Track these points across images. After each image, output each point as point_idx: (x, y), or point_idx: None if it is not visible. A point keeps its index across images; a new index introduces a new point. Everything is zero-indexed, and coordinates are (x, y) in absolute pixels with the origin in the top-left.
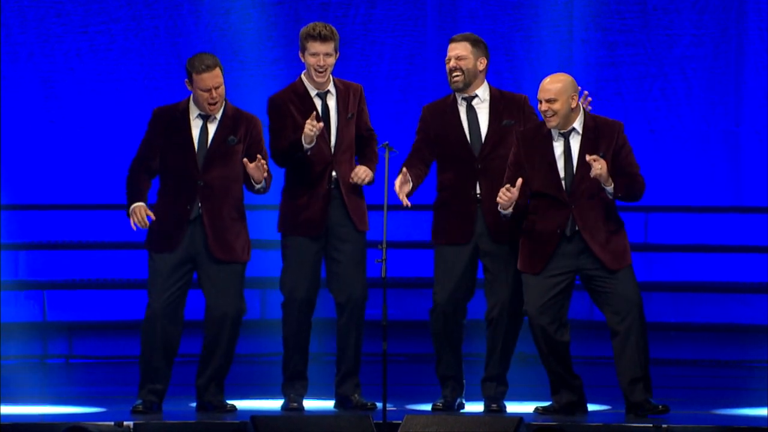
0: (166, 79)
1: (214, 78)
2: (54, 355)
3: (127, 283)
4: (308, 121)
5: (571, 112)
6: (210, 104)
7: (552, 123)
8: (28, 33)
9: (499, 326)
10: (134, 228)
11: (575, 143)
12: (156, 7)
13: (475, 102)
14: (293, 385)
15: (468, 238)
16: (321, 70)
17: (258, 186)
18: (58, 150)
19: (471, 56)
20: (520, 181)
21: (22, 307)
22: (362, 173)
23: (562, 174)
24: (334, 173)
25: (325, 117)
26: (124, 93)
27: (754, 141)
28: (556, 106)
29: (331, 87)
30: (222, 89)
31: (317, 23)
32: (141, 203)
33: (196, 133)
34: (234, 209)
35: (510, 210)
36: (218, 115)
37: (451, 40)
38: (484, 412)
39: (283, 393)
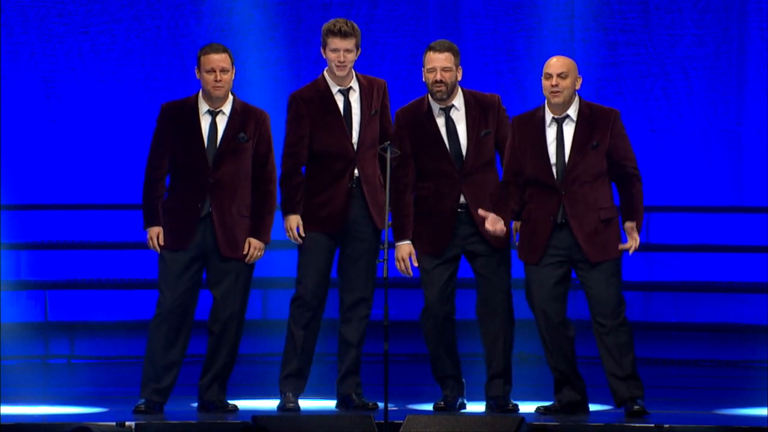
0: (168, 80)
1: (220, 61)
2: (55, 355)
3: (128, 283)
4: (294, 235)
5: (573, 95)
6: (215, 87)
7: (558, 99)
8: (30, 33)
9: (496, 322)
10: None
11: (569, 130)
12: (158, 7)
13: (452, 112)
14: (291, 383)
15: (442, 251)
16: (341, 66)
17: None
18: (59, 150)
19: (453, 67)
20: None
21: (23, 307)
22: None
23: (553, 160)
24: (356, 171)
25: (347, 114)
26: (126, 93)
27: (756, 140)
28: (566, 82)
29: (353, 83)
30: (229, 76)
31: (339, 19)
32: (158, 228)
33: (205, 128)
34: (243, 206)
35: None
36: (227, 111)
37: (432, 50)
38: (491, 411)
39: (280, 390)
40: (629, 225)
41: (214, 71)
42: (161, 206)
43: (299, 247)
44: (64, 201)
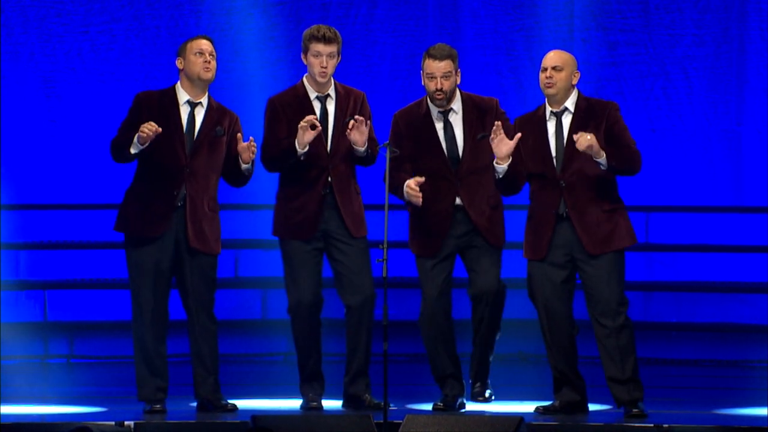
0: (168, 80)
1: (208, 45)
2: (55, 355)
3: (127, 283)
4: (305, 120)
5: (569, 89)
6: (204, 68)
7: (551, 90)
8: (30, 33)
9: (479, 317)
10: (146, 135)
11: (567, 123)
12: (157, 7)
13: (450, 116)
14: (311, 386)
15: (437, 251)
16: (323, 71)
17: (245, 167)
18: (59, 150)
19: (453, 73)
20: (518, 135)
21: (22, 307)
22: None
23: (553, 153)
24: (329, 179)
25: (323, 121)
26: (125, 93)
27: (756, 140)
28: (560, 74)
29: (331, 91)
30: (215, 64)
31: (321, 25)
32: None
33: (184, 118)
34: (212, 200)
35: (506, 165)
36: (204, 104)
37: (431, 57)
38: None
39: (302, 393)
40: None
41: (203, 53)
42: (129, 191)
43: (283, 257)
44: (64, 201)
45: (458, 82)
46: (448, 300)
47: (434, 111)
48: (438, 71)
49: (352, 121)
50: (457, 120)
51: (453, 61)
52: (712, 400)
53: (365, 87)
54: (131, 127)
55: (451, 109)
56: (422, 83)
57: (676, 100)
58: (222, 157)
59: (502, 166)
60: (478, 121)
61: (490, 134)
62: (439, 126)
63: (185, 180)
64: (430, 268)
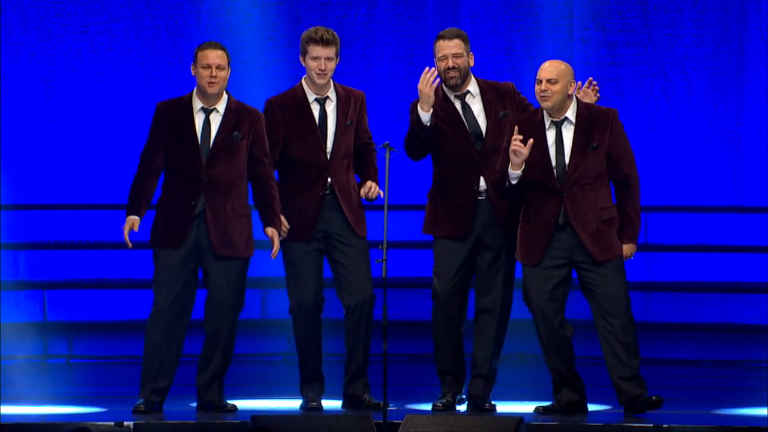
0: (167, 79)
1: (217, 57)
2: (54, 355)
3: (127, 283)
4: (285, 228)
5: (566, 99)
6: (209, 83)
7: (547, 104)
8: (29, 33)
9: (489, 320)
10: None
11: (567, 132)
12: (157, 6)
13: (467, 98)
14: (311, 386)
15: (466, 232)
16: (322, 74)
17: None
18: (59, 150)
19: (464, 53)
20: (531, 141)
21: (22, 307)
22: (375, 190)
23: (553, 163)
24: (329, 179)
25: (322, 123)
26: (125, 93)
27: (755, 141)
28: (555, 87)
29: (330, 93)
30: (224, 74)
31: (319, 27)
32: (134, 218)
33: (199, 126)
34: (238, 204)
35: (520, 171)
36: (221, 109)
37: (441, 38)
38: (472, 411)
39: (301, 393)
40: (624, 248)
41: (210, 67)
42: (157, 203)
43: (284, 258)
44: (64, 201)
45: (471, 64)
46: (464, 292)
47: (451, 95)
48: (449, 50)
49: (363, 191)
50: (475, 101)
51: (463, 42)
52: (712, 400)
53: (365, 87)
54: (154, 141)
55: (468, 91)
56: (435, 68)
57: (676, 100)
58: (244, 161)
59: (516, 172)
60: (497, 101)
61: (511, 113)
62: (458, 106)
63: (202, 189)
64: (450, 255)
